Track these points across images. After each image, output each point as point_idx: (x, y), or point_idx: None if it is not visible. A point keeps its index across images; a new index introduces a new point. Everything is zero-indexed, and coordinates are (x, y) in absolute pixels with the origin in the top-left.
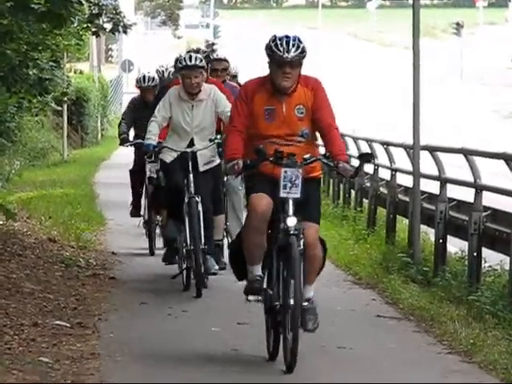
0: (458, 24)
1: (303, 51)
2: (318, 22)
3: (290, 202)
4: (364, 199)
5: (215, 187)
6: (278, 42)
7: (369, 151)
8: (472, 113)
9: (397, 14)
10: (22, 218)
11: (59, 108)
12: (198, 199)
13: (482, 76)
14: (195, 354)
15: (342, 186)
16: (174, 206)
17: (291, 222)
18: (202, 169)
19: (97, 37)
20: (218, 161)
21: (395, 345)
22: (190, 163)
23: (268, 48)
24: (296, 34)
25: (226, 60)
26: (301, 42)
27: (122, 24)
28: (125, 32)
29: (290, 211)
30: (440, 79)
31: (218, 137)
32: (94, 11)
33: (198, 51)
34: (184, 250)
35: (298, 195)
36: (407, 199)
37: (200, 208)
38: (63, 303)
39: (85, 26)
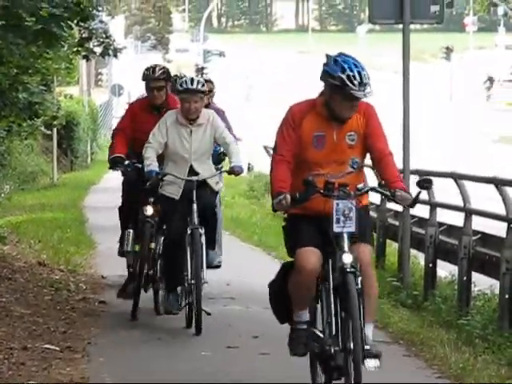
0: (447, 48)
1: (369, 85)
2: (308, 46)
3: (345, 237)
4: None
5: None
6: (351, 74)
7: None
8: (461, 135)
9: (386, 38)
10: (12, 242)
11: (49, 132)
12: (202, 231)
13: (470, 99)
14: (185, 379)
15: None
16: (175, 262)
17: (347, 258)
18: (216, 188)
19: (87, 60)
20: (220, 184)
21: (385, 369)
22: (195, 192)
23: (338, 80)
24: (356, 60)
25: (210, 81)
26: (368, 76)
27: (112, 48)
28: (115, 56)
29: (346, 247)
30: (429, 102)
31: (220, 166)
32: (84, 35)
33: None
34: (185, 285)
35: (352, 229)
36: (397, 223)
37: (203, 240)
38: (53, 327)
39: (75, 49)
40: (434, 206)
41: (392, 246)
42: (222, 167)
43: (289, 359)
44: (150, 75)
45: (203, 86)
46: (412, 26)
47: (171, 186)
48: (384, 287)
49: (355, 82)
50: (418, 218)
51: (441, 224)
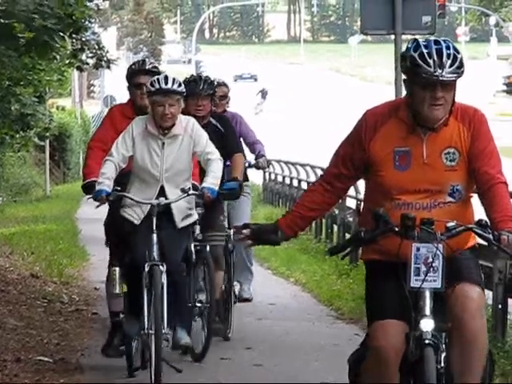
0: None
1: (461, 65)
2: (300, 57)
3: (426, 295)
4: (347, 234)
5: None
6: (425, 52)
7: None
8: None
9: (378, 48)
10: (5, 254)
11: (42, 143)
12: (163, 268)
13: None
14: None
15: (324, 220)
16: (135, 288)
17: (427, 325)
18: (180, 225)
19: (80, 71)
20: (195, 216)
21: None
22: (155, 220)
23: (409, 60)
24: (448, 40)
25: (224, 84)
26: (458, 52)
27: (105, 59)
28: (108, 67)
29: (426, 309)
30: None
31: (189, 186)
32: (76, 46)
33: (200, 77)
34: (140, 337)
35: (437, 284)
36: None
37: (164, 279)
38: (46, 339)
39: (67, 61)
40: None
41: None
42: (189, 189)
43: (281, 370)
44: (137, 69)
45: (180, 85)
46: (404, 37)
47: (133, 207)
48: None
49: (430, 61)
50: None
51: None
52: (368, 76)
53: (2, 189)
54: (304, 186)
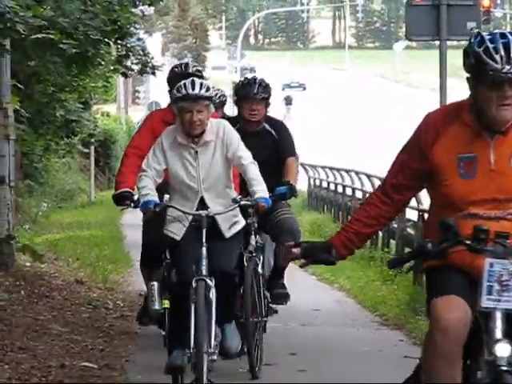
0: None
1: None
2: (345, 63)
3: (499, 317)
4: (391, 240)
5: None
6: (491, 46)
7: None
8: None
9: (423, 55)
10: (49, 260)
11: (86, 150)
12: (212, 282)
13: None
14: None
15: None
16: (181, 306)
17: (502, 350)
18: (228, 235)
19: (126, 77)
20: (242, 222)
21: None
22: (205, 232)
23: (473, 57)
24: None
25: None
26: None
27: (150, 65)
28: (153, 73)
29: (498, 333)
30: None
31: (238, 196)
32: (121, 52)
33: (254, 80)
34: (186, 357)
35: None
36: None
37: (213, 295)
38: (90, 345)
39: (112, 67)
40: None
41: None
42: (241, 199)
43: (326, 376)
44: (180, 72)
45: (208, 90)
46: (449, 43)
47: (174, 223)
48: (422, 304)
49: (496, 57)
50: (423, 221)
51: None
52: (413, 82)
53: (47, 195)
54: (349, 191)
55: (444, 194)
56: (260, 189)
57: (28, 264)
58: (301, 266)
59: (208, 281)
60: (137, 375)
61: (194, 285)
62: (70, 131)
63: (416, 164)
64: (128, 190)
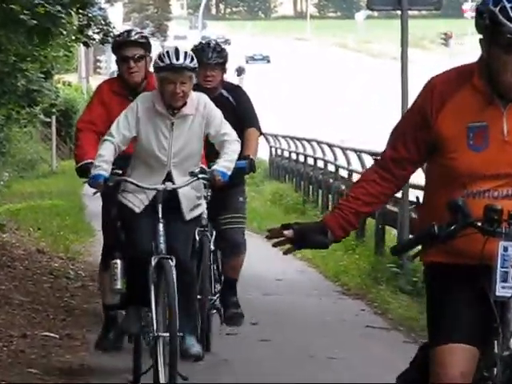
0: (446, 34)
1: None
2: (306, 32)
3: None
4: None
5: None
6: (509, 6)
7: None
8: None
9: (385, 24)
10: (11, 230)
11: (48, 119)
12: (173, 262)
13: None
14: (184, 368)
15: (330, 196)
16: (138, 282)
17: None
18: (188, 216)
19: (87, 47)
20: (204, 205)
21: (385, 355)
22: (160, 207)
23: (488, 17)
24: None
25: (223, 50)
26: None
27: (111, 35)
28: None
29: None
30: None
31: (198, 170)
32: (83, 22)
33: (208, 44)
34: (149, 339)
35: None
36: (396, 210)
37: (174, 274)
38: (52, 314)
39: (74, 37)
40: None
41: (391, 233)
42: (200, 172)
43: (289, 345)
44: (123, 39)
45: (192, 60)
46: (410, 13)
47: (135, 193)
48: (383, 273)
49: None
50: (416, 203)
51: None
52: (374, 51)
53: (9, 164)
54: (310, 161)
55: (450, 169)
56: (223, 164)
57: None
58: (285, 253)
59: (170, 260)
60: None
61: (153, 262)
62: (31, 101)
63: (421, 134)
64: (91, 161)
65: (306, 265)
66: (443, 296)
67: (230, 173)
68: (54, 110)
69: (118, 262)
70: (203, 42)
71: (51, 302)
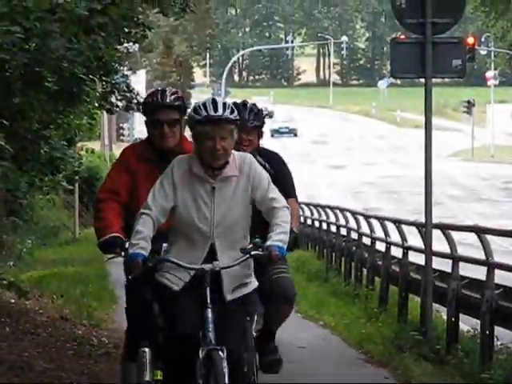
0: (468, 102)
1: None
2: (329, 100)
3: None
4: (376, 277)
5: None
6: None
7: None
8: (482, 189)
9: (407, 92)
10: (34, 297)
11: (70, 187)
12: (223, 354)
13: (493, 153)
14: None
15: (353, 264)
16: (179, 370)
17: None
18: (229, 297)
19: (111, 114)
20: (254, 283)
21: None
22: (208, 290)
23: None
24: None
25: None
26: None
27: (134, 101)
28: (138, 110)
29: None
30: (451, 156)
31: (250, 246)
32: (106, 89)
33: (244, 105)
34: None
35: None
36: (419, 277)
37: (225, 367)
38: (76, 381)
39: (97, 104)
40: (456, 259)
41: (414, 300)
42: (253, 247)
43: None
44: (156, 102)
45: (233, 112)
46: (434, 80)
47: (174, 271)
48: (406, 341)
49: None
50: (440, 271)
51: (463, 278)
52: (397, 119)
53: (32, 232)
54: (333, 229)
55: None
56: (278, 237)
57: (13, 301)
58: None
59: (220, 352)
60: None
61: (201, 355)
62: (54, 168)
63: None
64: (117, 235)
65: (329, 332)
66: None
67: (286, 246)
68: (76, 178)
69: (147, 350)
70: (238, 101)
71: (75, 369)
